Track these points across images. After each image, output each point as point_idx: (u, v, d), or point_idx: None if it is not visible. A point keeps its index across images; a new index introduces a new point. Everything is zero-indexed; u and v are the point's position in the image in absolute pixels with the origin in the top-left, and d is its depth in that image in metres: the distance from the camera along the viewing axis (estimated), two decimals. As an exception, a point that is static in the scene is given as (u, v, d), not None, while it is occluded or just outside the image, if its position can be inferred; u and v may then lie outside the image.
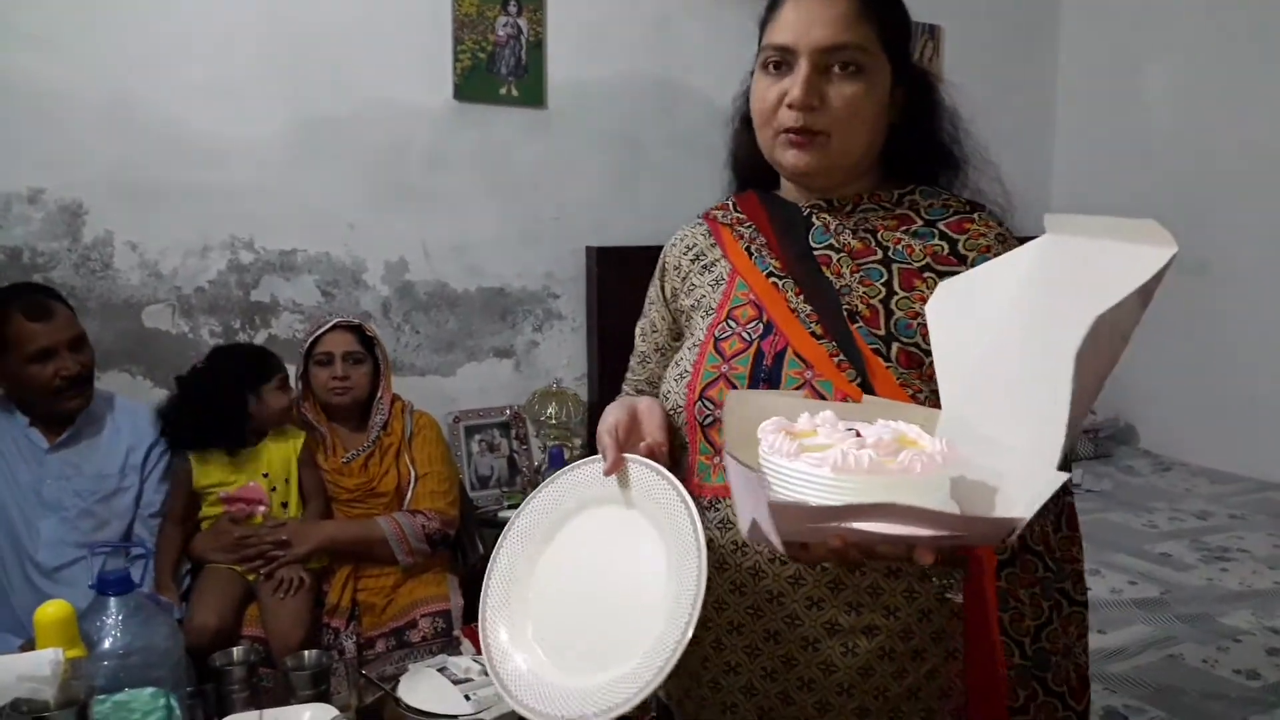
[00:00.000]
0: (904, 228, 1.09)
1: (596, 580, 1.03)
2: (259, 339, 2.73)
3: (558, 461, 2.93)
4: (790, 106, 1.05)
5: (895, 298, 1.05)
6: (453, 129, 2.97)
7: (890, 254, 1.08)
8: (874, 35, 1.06)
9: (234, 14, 2.63)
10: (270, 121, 2.72)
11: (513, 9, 2.99)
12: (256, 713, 1.55)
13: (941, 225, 1.09)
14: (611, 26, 3.15)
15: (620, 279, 3.15)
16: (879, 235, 1.09)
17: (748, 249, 1.15)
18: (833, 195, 1.13)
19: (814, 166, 1.07)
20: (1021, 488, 0.79)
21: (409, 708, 1.57)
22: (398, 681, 1.65)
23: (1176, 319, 3.69)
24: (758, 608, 1.05)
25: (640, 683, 0.91)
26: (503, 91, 3.02)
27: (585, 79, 3.13)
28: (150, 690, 1.32)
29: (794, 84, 1.05)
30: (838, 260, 1.09)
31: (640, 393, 1.29)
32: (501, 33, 2.98)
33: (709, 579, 0.93)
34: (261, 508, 2.15)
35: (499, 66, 3.00)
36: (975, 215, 1.10)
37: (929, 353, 0.98)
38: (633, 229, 3.21)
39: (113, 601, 1.51)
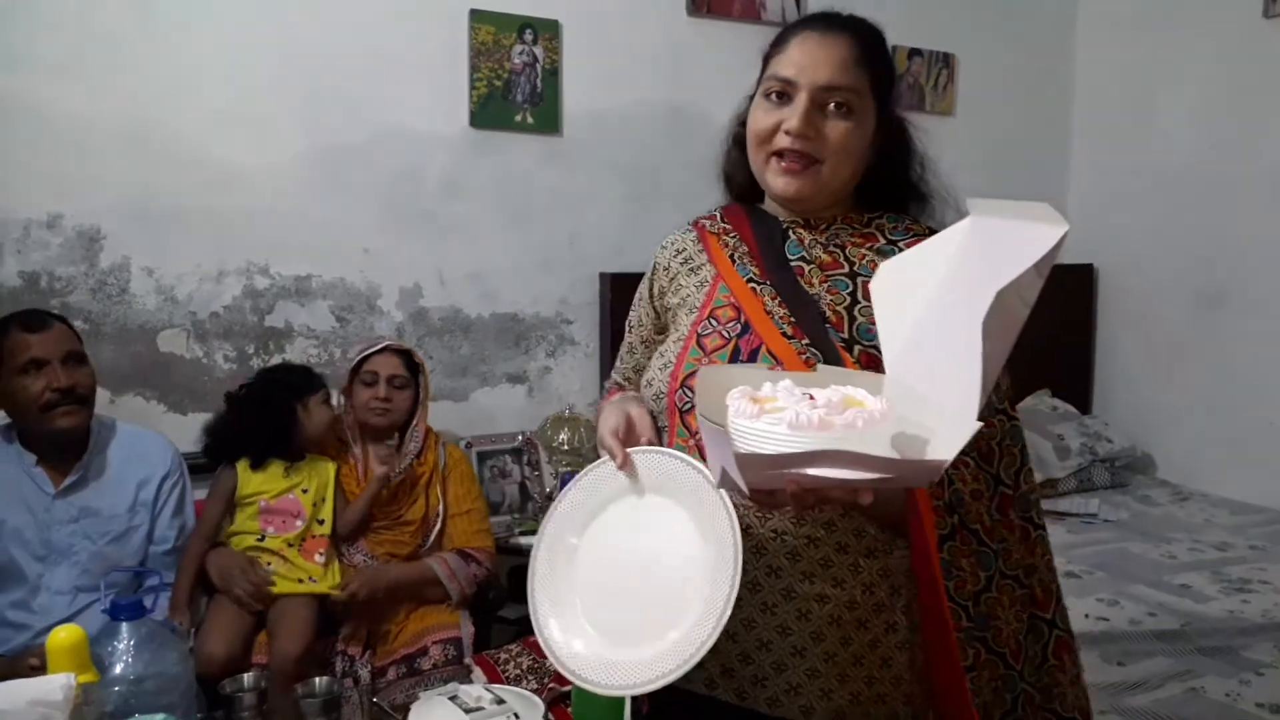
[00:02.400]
0: (869, 244, 1.24)
1: (635, 562, 1.13)
2: (273, 364, 2.74)
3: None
4: (788, 133, 1.18)
5: (858, 306, 1.20)
6: (468, 156, 2.98)
7: (856, 268, 1.22)
8: (866, 81, 1.20)
9: (251, 41, 2.66)
10: (286, 148, 2.74)
11: (529, 37, 3.01)
12: (266, 740, 1.54)
13: (902, 244, 1.22)
14: (626, 55, 3.17)
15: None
16: (847, 251, 1.24)
17: (731, 256, 1.28)
18: (810, 216, 1.27)
19: (804, 192, 1.21)
20: (946, 436, 0.93)
21: (420, 737, 1.55)
22: (409, 710, 1.64)
23: (1194, 348, 3.67)
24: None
25: (698, 642, 1.01)
26: (518, 119, 3.04)
27: (600, 107, 3.15)
28: (161, 716, 1.32)
29: (793, 114, 1.18)
30: (809, 271, 1.23)
31: (627, 380, 1.48)
32: (517, 61, 3.01)
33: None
34: (299, 522, 2.18)
35: (515, 94, 3.02)
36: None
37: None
38: (646, 256, 3.17)
39: (125, 627, 1.50)
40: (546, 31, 3.03)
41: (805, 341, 1.17)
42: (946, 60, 3.79)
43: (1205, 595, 2.59)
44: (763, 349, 1.18)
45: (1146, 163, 3.84)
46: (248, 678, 1.72)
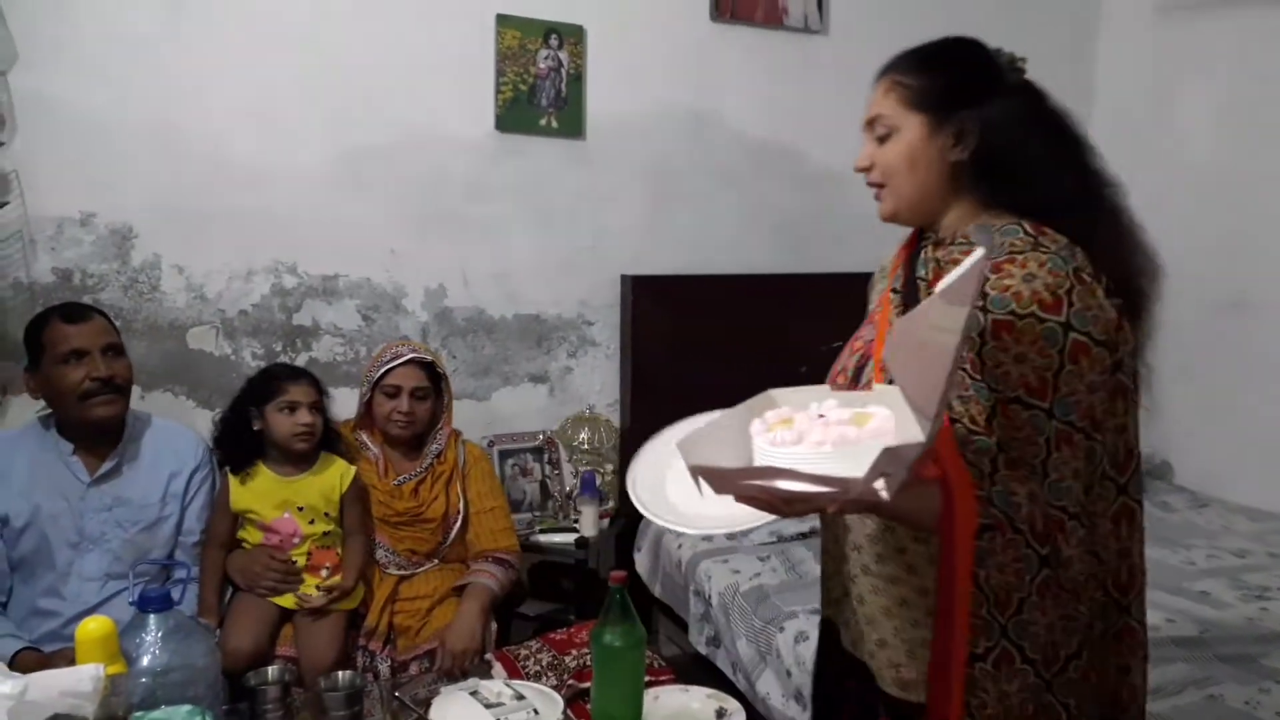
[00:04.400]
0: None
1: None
2: (300, 361, 2.77)
3: (589, 487, 2.94)
4: (856, 168, 1.37)
5: None
6: (493, 159, 3.01)
7: None
8: (899, 102, 1.30)
9: (279, 42, 2.70)
10: (314, 149, 2.78)
11: (554, 42, 3.04)
12: (290, 732, 1.57)
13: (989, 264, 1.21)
14: (649, 59, 3.19)
15: (655, 307, 3.17)
16: (949, 269, 1.20)
17: (898, 267, 1.41)
18: (936, 230, 1.35)
19: (885, 212, 1.37)
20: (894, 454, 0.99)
21: (440, 731, 1.58)
22: (430, 704, 1.66)
23: (1213, 353, 3.63)
24: (834, 543, 1.38)
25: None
26: (543, 123, 3.07)
27: (623, 111, 3.17)
28: (187, 708, 1.35)
29: (863, 151, 1.35)
30: (923, 288, 1.32)
31: None
32: (543, 65, 3.03)
33: None
34: (296, 539, 2.16)
35: (540, 98, 3.05)
36: (1019, 257, 1.21)
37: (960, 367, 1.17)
38: (667, 258, 3.23)
39: (152, 619, 1.53)
40: (571, 36, 3.06)
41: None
42: (970, 63, 3.78)
43: (1224, 602, 2.57)
44: (872, 359, 1.31)
45: (1166, 163, 3.80)
46: (272, 671, 1.75)
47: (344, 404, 2.47)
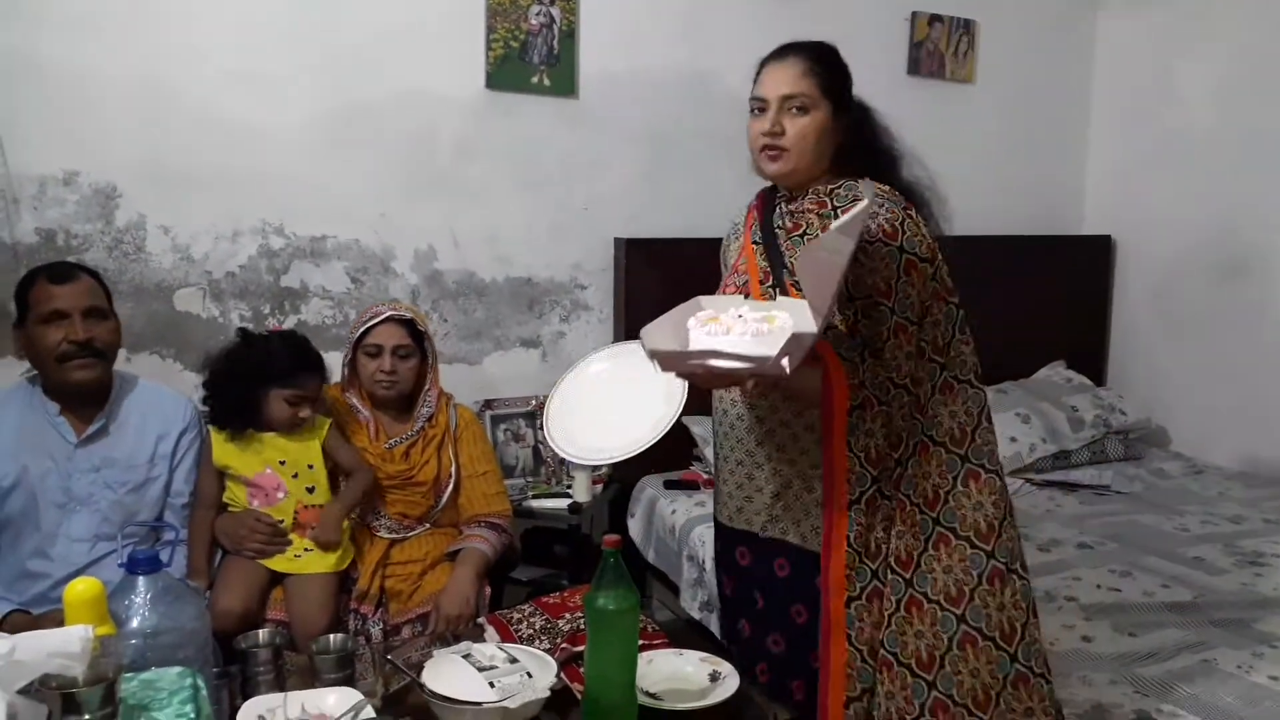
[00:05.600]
0: (820, 210, 1.72)
1: (613, 400, 1.80)
2: (289, 324, 2.74)
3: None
4: (763, 135, 1.70)
5: None
6: (484, 118, 2.96)
7: (805, 231, 1.72)
8: (815, 86, 1.69)
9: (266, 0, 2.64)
10: (301, 108, 2.73)
11: (546, -3, 2.98)
12: (282, 695, 1.55)
13: (840, 210, 1.68)
14: (643, 17, 3.13)
15: (648, 271, 3.13)
16: (806, 218, 1.72)
17: (752, 225, 1.81)
18: (792, 189, 1.76)
19: (781, 171, 1.72)
20: (783, 343, 1.41)
21: (433, 694, 1.56)
22: (422, 668, 1.65)
23: (1212, 320, 3.63)
24: (721, 436, 1.84)
25: (647, 440, 1.68)
26: (534, 80, 3.01)
27: (616, 70, 3.12)
28: (177, 669, 1.33)
29: (765, 120, 1.70)
30: (781, 235, 1.75)
31: None
32: (534, 21, 2.98)
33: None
34: (281, 494, 2.15)
35: (531, 55, 2.99)
36: (863, 201, 1.57)
37: None
38: (662, 221, 3.20)
39: (141, 581, 1.51)
40: (563, -9, 3.00)
41: (770, 284, 1.72)
42: (967, 26, 3.73)
43: (1218, 568, 2.58)
44: (751, 294, 1.74)
45: (1166, 132, 3.78)
46: (263, 634, 1.74)
47: (334, 367, 2.43)
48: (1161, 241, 3.83)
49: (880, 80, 3.59)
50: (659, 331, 1.53)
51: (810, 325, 1.43)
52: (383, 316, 2.28)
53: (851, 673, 1.61)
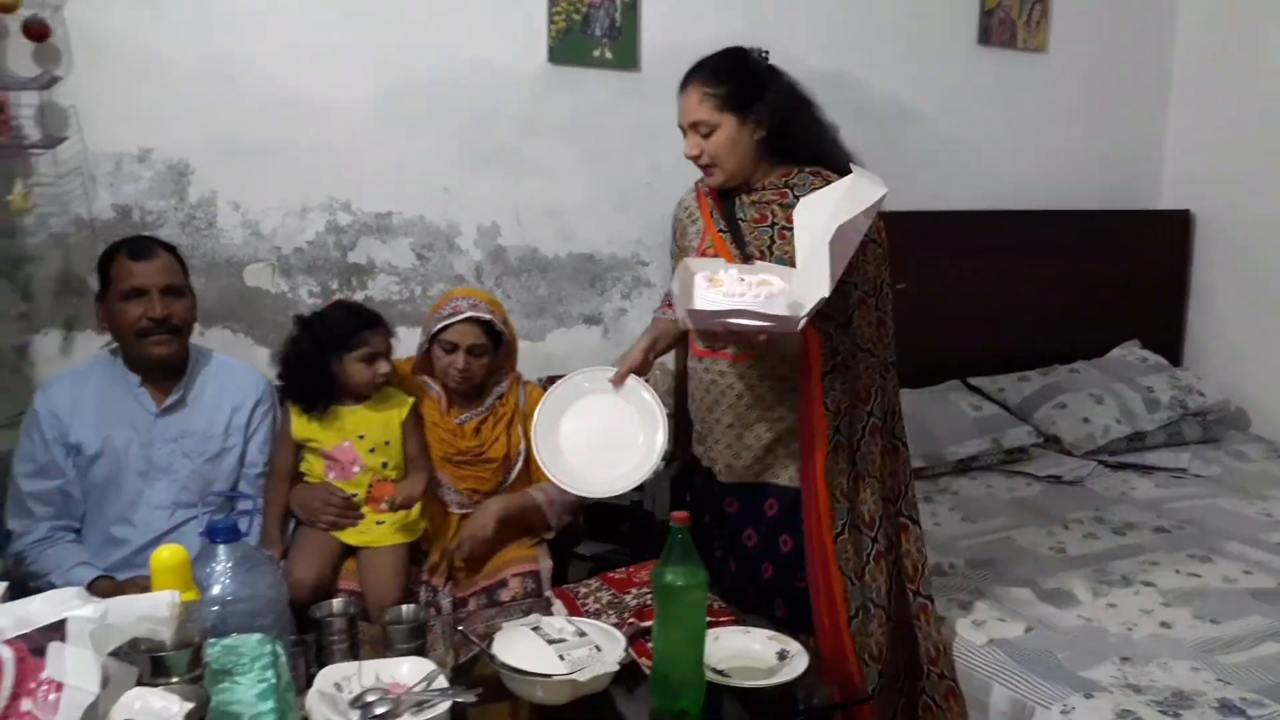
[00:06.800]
0: (783, 200, 1.96)
1: (601, 430, 2.01)
2: (357, 299, 2.76)
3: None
4: (687, 155, 1.98)
5: (774, 245, 1.95)
6: (546, 92, 2.95)
7: (772, 221, 1.97)
8: (713, 107, 1.92)
9: (333, -25, 2.65)
10: (367, 84, 2.74)
11: (609, -31, 2.95)
12: (356, 664, 1.58)
13: (803, 197, 1.85)
14: (706, -13, 3.09)
15: (712, 246, 3.11)
16: (770, 209, 1.97)
17: (710, 214, 2.04)
18: (744, 184, 2.00)
19: (716, 180, 1.99)
20: (808, 301, 1.69)
21: (504, 665, 1.58)
22: (491, 639, 1.67)
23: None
24: (709, 404, 2.07)
25: (643, 472, 1.97)
26: (596, 54, 2.99)
27: (678, 42, 3.04)
28: (258, 636, 1.36)
29: (688, 145, 1.97)
30: (745, 226, 1.99)
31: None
32: (597, -7, 2.95)
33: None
34: (356, 469, 2.17)
35: (593, 28, 2.97)
36: (821, 184, 1.89)
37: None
38: (725, 196, 3.16)
39: (221, 549, 1.55)
40: (627, -36, 2.97)
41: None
42: (1041, -6, 3.63)
43: (1303, 553, 2.50)
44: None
45: (1252, 100, 3.64)
46: (337, 603, 1.77)
47: (401, 341, 2.45)
48: (1244, 216, 3.70)
49: (949, 51, 3.56)
50: (678, 290, 1.79)
51: (819, 289, 1.66)
52: (462, 316, 2.24)
53: (848, 597, 1.95)
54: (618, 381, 2.00)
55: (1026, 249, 3.59)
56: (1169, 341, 3.91)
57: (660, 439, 1.96)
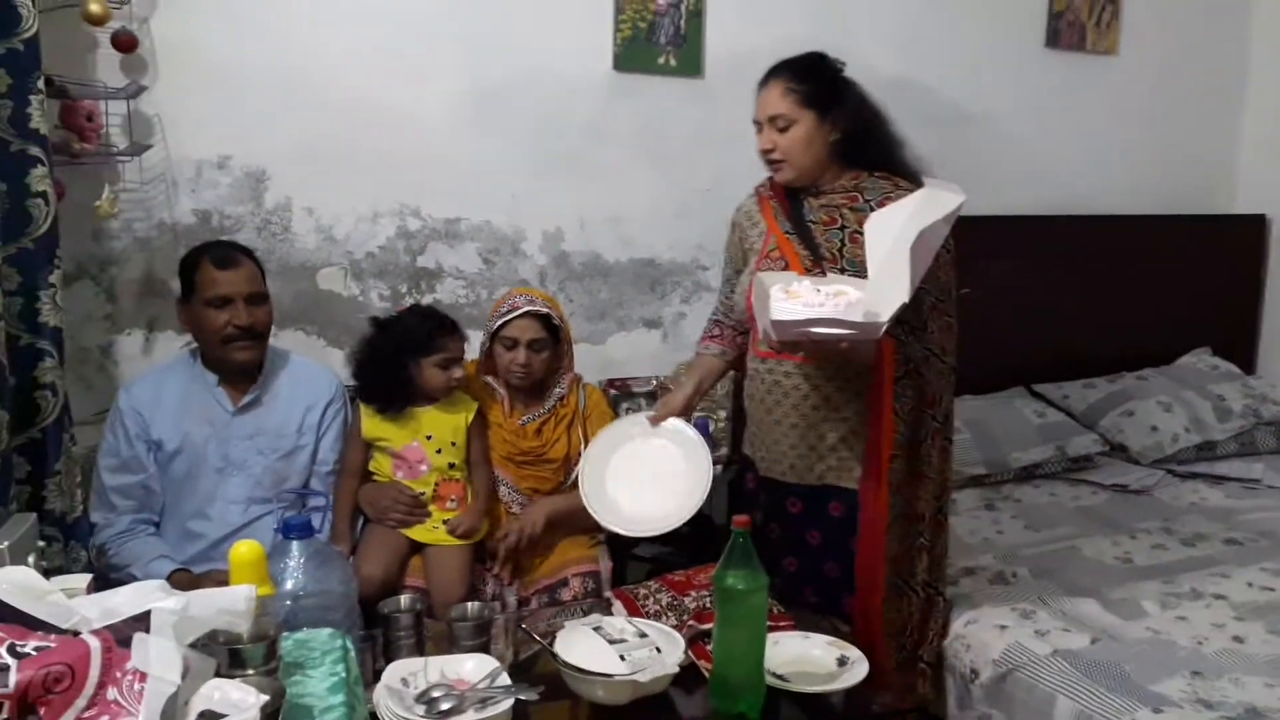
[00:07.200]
0: (852, 204, 2.01)
1: (648, 471, 2.11)
2: (425, 302, 2.82)
3: (703, 433, 2.91)
4: (760, 151, 2.04)
5: (845, 248, 1.98)
6: (611, 99, 2.98)
7: (843, 224, 2.00)
8: (795, 102, 1.97)
9: (405, -14, 2.71)
10: (438, 92, 2.79)
11: (674, -23, 2.97)
12: (422, 659, 1.62)
13: (874, 203, 1.96)
14: (771, -6, 3.10)
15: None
16: (840, 211, 2.01)
17: (775, 217, 2.07)
18: (813, 186, 2.04)
19: (783, 177, 2.03)
20: (885, 312, 1.70)
21: (566, 664, 1.60)
22: (553, 637, 1.69)
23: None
24: (770, 406, 2.08)
25: (683, 515, 2.06)
26: (661, 61, 3.02)
27: (742, 49, 3.07)
28: (329, 631, 1.39)
29: (762, 139, 2.02)
30: (815, 229, 2.01)
31: (723, 314, 2.26)
32: (662, 2, 2.97)
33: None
34: (424, 468, 2.22)
35: (658, 36, 3.00)
36: (894, 192, 1.95)
37: (864, 275, 1.82)
38: (787, 201, 3.16)
39: (295, 545, 1.60)
40: (691, -29, 2.98)
41: (816, 272, 1.94)
42: (1112, -6, 3.56)
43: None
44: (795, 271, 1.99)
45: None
46: (404, 599, 1.81)
47: (470, 345, 2.50)
48: (1323, 222, 3.59)
49: (1016, 55, 3.52)
50: (757, 305, 1.84)
51: (899, 295, 1.69)
52: (520, 311, 2.30)
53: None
54: (655, 422, 2.12)
55: (1094, 255, 3.52)
56: (1243, 349, 3.80)
57: (704, 478, 2.05)
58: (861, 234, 1.85)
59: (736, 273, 2.18)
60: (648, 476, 2.09)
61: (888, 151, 2.03)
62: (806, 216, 2.02)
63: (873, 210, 1.90)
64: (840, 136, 1.99)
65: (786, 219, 2.04)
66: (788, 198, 2.06)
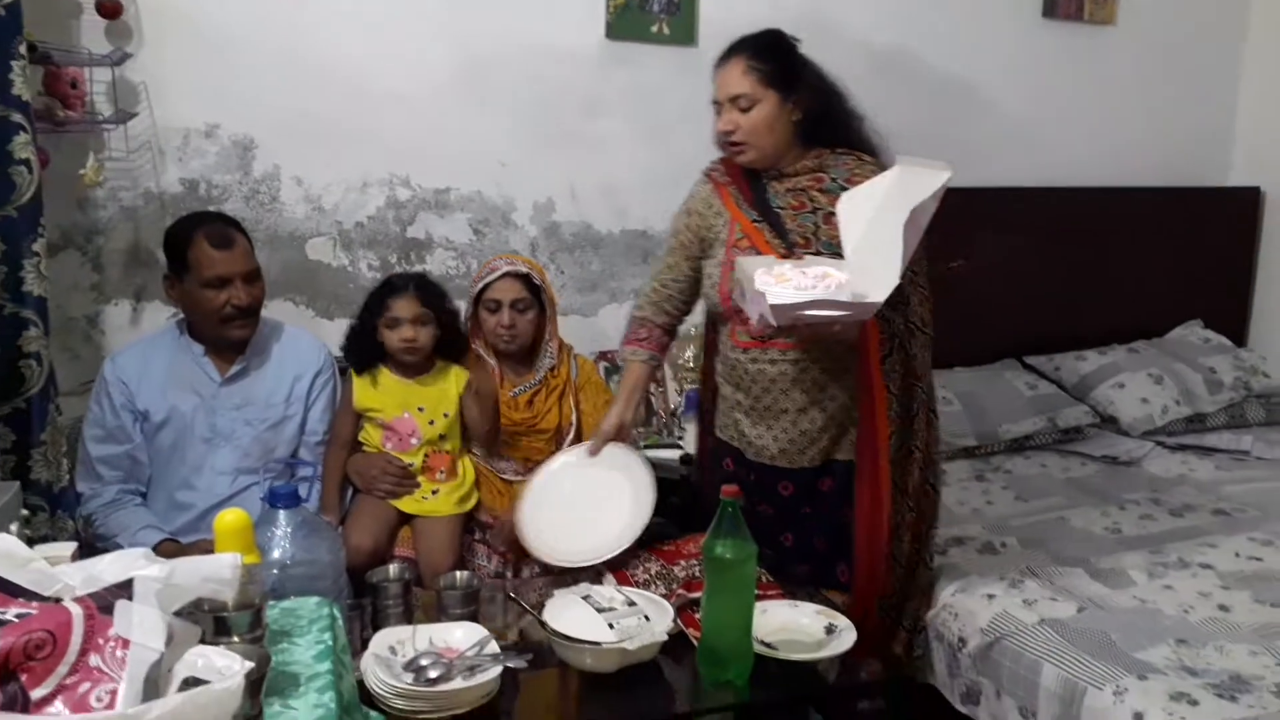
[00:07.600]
0: (819, 186, 1.97)
1: (589, 499, 2.10)
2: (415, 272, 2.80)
3: (694, 404, 2.93)
4: (720, 132, 1.97)
5: (820, 230, 1.95)
6: (604, 69, 2.95)
7: (814, 207, 1.97)
8: (756, 82, 1.91)
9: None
10: (428, 61, 2.76)
11: (666, -57, 2.94)
12: (410, 627, 1.62)
13: (842, 181, 1.94)
14: (765, -39, 3.05)
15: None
16: (808, 195, 1.98)
17: (737, 204, 2.02)
18: (774, 168, 1.99)
19: (745, 161, 1.97)
20: (878, 291, 1.70)
21: (555, 632, 1.61)
22: (543, 606, 1.70)
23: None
24: (758, 395, 2.04)
25: (625, 541, 2.02)
26: (654, 30, 2.98)
27: (736, 17, 3.01)
28: (316, 599, 1.39)
29: (722, 120, 1.96)
30: (784, 214, 1.97)
31: (656, 301, 2.23)
32: (654, -32, 2.94)
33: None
34: (414, 440, 2.22)
35: (651, 4, 2.96)
36: (857, 174, 1.92)
37: (840, 256, 1.80)
38: (780, 172, 3.14)
39: (282, 514, 1.60)
40: (684, -63, 2.95)
41: (791, 258, 1.90)
42: (1108, -34, 3.52)
43: None
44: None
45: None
46: (392, 569, 1.81)
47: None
48: (1318, 194, 3.58)
49: (1013, 24, 3.48)
50: (749, 288, 1.77)
51: (890, 274, 1.69)
52: (500, 272, 2.31)
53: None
54: (594, 453, 2.12)
55: (1087, 226, 3.51)
56: (1234, 322, 3.80)
57: (647, 500, 2.07)
58: (834, 214, 1.82)
59: (688, 260, 2.14)
60: (587, 507, 2.08)
61: (848, 127, 2.00)
62: (772, 202, 1.98)
63: (842, 188, 1.87)
64: (801, 117, 1.95)
65: (751, 206, 1.99)
66: (746, 181, 2.01)
